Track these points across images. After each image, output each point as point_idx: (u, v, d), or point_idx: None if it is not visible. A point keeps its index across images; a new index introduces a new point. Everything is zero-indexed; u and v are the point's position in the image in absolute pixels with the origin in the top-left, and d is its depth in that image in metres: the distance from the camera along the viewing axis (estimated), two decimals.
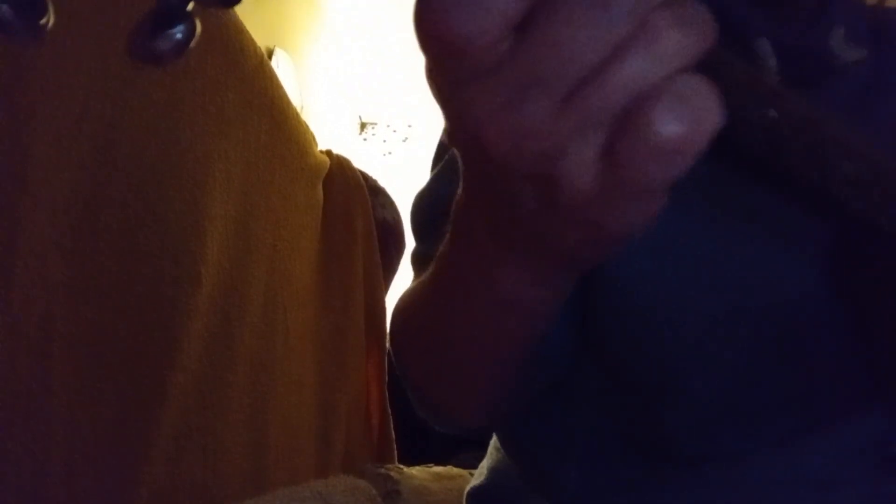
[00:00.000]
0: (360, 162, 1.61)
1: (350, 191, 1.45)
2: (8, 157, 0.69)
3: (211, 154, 0.97)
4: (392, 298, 1.56)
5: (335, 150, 1.49)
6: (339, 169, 1.45)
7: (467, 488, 0.67)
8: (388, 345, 1.49)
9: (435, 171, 0.64)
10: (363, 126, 3.21)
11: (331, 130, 2.65)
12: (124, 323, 0.82)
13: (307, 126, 1.34)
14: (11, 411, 0.70)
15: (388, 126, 3.20)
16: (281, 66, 1.98)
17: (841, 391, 0.51)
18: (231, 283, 1.03)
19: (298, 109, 1.34)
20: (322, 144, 1.43)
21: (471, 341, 0.46)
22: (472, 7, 0.25)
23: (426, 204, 0.64)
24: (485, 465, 0.68)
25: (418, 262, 0.62)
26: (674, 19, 0.25)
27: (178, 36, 0.27)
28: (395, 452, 1.47)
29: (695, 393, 0.51)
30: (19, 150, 0.69)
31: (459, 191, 0.37)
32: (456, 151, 0.34)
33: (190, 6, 0.27)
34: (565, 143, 0.27)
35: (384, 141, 3.19)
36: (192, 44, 0.27)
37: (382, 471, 0.99)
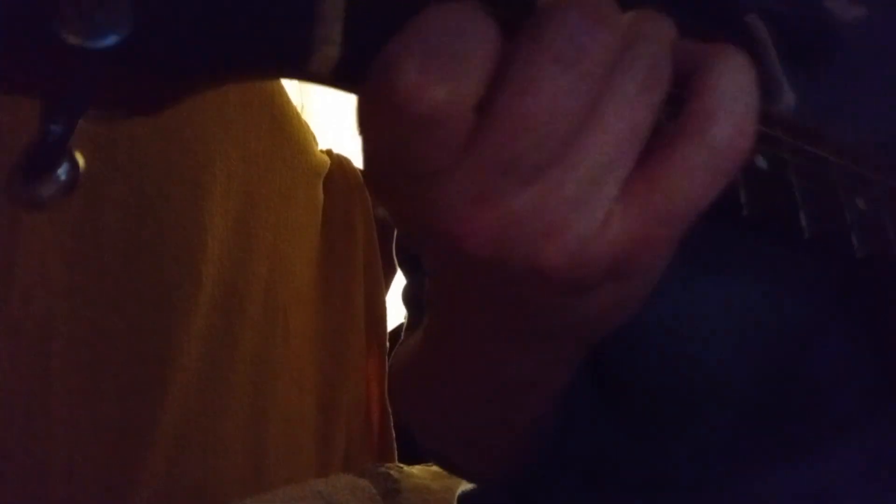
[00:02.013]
0: (361, 161, 1.61)
1: (351, 190, 1.45)
2: (8, 158, 0.69)
3: (211, 154, 0.97)
4: (392, 298, 1.56)
5: (335, 150, 1.49)
6: (340, 168, 1.45)
7: (458, 492, 0.67)
8: (388, 345, 1.49)
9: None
10: None
11: (331, 129, 2.64)
12: (124, 323, 0.82)
13: (307, 125, 1.34)
14: (11, 411, 0.70)
15: None
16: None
17: (847, 407, 0.51)
18: (231, 283, 1.03)
19: (299, 109, 1.34)
20: (322, 144, 1.43)
21: (486, 415, 0.41)
22: (449, 69, 0.22)
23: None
24: None
25: (410, 300, 0.59)
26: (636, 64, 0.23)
27: (63, 178, 0.23)
28: (396, 451, 1.47)
29: (702, 416, 0.50)
30: (20, 150, 0.69)
31: (429, 284, 0.33)
32: (421, 255, 0.30)
33: (72, 134, 0.23)
34: (568, 211, 0.24)
35: None
36: (78, 182, 0.23)
37: (383, 469, 0.99)
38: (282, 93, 1.19)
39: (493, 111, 0.23)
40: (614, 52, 0.23)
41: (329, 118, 2.76)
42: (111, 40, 0.20)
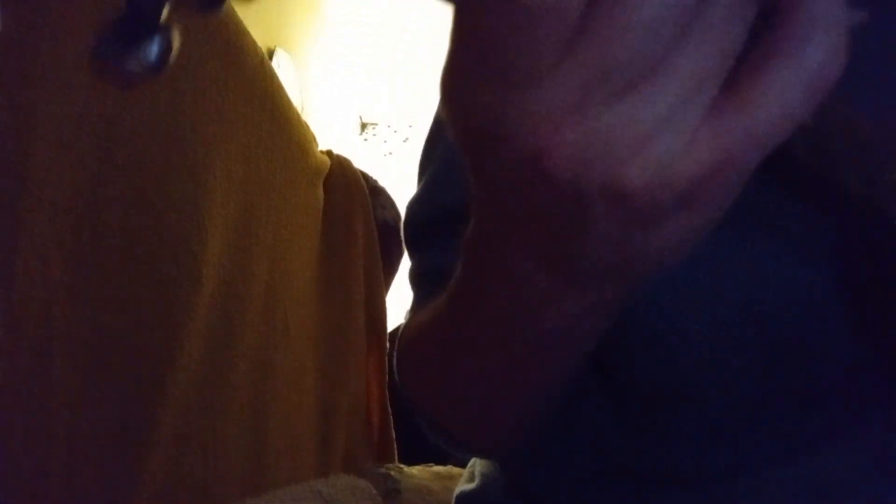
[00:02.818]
0: (361, 162, 1.62)
1: (350, 191, 1.45)
2: (8, 157, 0.69)
3: (211, 154, 0.97)
4: (392, 298, 1.56)
5: (336, 151, 1.49)
6: (340, 169, 1.45)
7: (456, 491, 0.66)
8: (388, 345, 1.49)
9: (426, 176, 0.60)
10: (364, 126, 3.22)
11: (331, 130, 2.65)
12: (124, 323, 0.82)
13: (308, 126, 1.34)
14: (11, 411, 0.70)
15: (389, 126, 3.20)
16: (281, 66, 1.98)
17: (848, 399, 0.51)
18: (231, 283, 1.03)
19: (299, 109, 1.34)
20: (322, 145, 1.43)
21: (507, 377, 0.41)
22: None
23: (421, 214, 0.59)
24: (476, 469, 0.65)
25: (417, 280, 0.58)
26: None
27: (154, 52, 0.22)
28: (396, 452, 1.47)
29: (702, 403, 0.50)
30: (19, 149, 0.69)
31: (472, 226, 0.32)
32: (480, 187, 0.29)
33: (164, 15, 0.22)
34: (656, 128, 0.23)
35: (385, 141, 3.19)
36: (171, 62, 0.22)
37: (383, 470, 0.99)
38: (282, 93, 1.19)
39: (595, 18, 0.22)
40: None
41: (329, 119, 2.76)
42: None
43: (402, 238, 0.61)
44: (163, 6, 0.22)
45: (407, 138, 3.17)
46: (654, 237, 0.26)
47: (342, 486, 0.87)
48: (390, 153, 3.16)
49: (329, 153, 1.45)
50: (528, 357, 0.37)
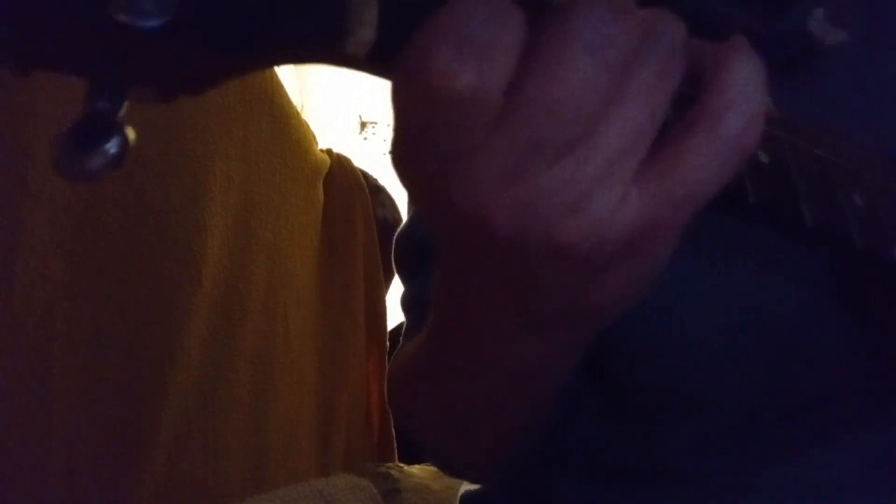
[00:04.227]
0: (361, 161, 1.61)
1: (350, 190, 1.45)
2: (8, 157, 0.69)
3: (211, 153, 0.97)
4: (392, 298, 1.56)
5: (335, 149, 1.49)
6: (340, 168, 1.45)
7: (461, 491, 0.67)
8: (388, 345, 1.49)
9: (413, 208, 0.61)
10: (363, 125, 3.21)
11: (331, 129, 2.65)
12: (124, 323, 0.82)
13: (307, 125, 1.34)
14: (11, 411, 0.70)
15: (389, 125, 3.19)
16: (281, 66, 1.98)
17: (846, 401, 0.51)
18: (231, 283, 1.03)
19: (298, 108, 1.34)
20: (322, 143, 1.43)
21: (489, 411, 0.42)
22: (480, 53, 0.23)
23: (408, 244, 0.60)
24: None
25: (407, 307, 0.59)
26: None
27: (112, 151, 0.23)
28: (396, 451, 1.47)
29: (701, 406, 0.50)
30: (19, 149, 0.69)
31: (437, 274, 0.33)
32: (438, 240, 0.31)
33: (122, 111, 0.23)
34: (589, 189, 0.25)
35: (384, 140, 3.18)
36: (128, 154, 0.24)
37: (383, 469, 0.99)
38: (282, 93, 1.19)
39: (522, 93, 0.24)
40: (636, 42, 0.25)
41: (329, 118, 2.75)
42: (159, 21, 0.21)
43: (394, 264, 0.62)
44: (121, 106, 0.23)
45: None
46: (599, 287, 0.28)
47: (342, 486, 0.87)
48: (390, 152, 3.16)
49: (329, 152, 1.45)
50: (506, 389, 0.39)
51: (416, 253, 0.59)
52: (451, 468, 0.55)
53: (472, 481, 0.59)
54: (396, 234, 0.61)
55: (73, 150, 0.23)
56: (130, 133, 0.24)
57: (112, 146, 0.23)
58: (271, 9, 0.22)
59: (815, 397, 0.50)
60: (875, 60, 0.53)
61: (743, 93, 0.26)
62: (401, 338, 0.60)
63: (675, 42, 0.26)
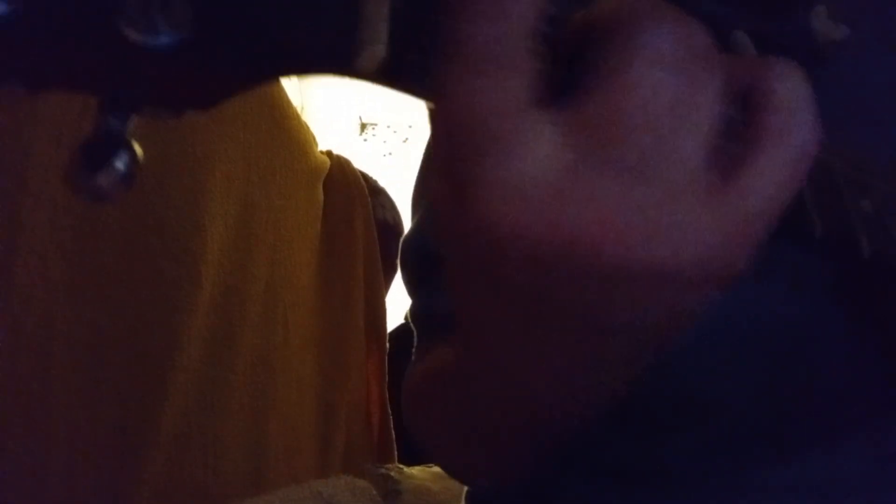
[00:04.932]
0: (361, 162, 1.61)
1: (350, 191, 1.45)
2: (8, 157, 0.69)
3: (211, 154, 0.97)
4: (392, 298, 1.56)
5: (335, 151, 1.49)
6: (340, 169, 1.45)
7: (466, 490, 0.67)
8: (387, 345, 1.49)
9: (418, 215, 0.60)
10: (363, 126, 3.21)
11: (331, 131, 2.65)
12: (124, 323, 0.82)
13: (307, 126, 1.34)
14: (11, 411, 0.70)
15: (389, 127, 3.20)
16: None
17: (847, 402, 0.51)
18: (231, 283, 1.03)
19: (298, 109, 1.35)
20: (322, 145, 1.43)
21: (523, 421, 0.41)
22: (500, 75, 0.23)
23: (413, 255, 0.59)
24: None
25: (415, 320, 0.58)
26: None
27: (121, 168, 0.23)
28: (396, 452, 1.47)
29: (703, 409, 0.50)
30: (20, 149, 0.69)
31: (469, 321, 0.32)
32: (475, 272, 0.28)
33: (130, 126, 0.24)
34: (673, 205, 0.25)
35: (384, 142, 3.18)
36: (138, 171, 0.24)
37: (383, 471, 0.99)
38: (282, 93, 1.19)
39: (589, 112, 0.24)
40: (699, 52, 0.25)
41: (329, 120, 2.76)
42: (171, 39, 0.21)
43: (401, 275, 0.60)
44: (129, 123, 0.23)
45: (406, 139, 3.17)
46: (673, 307, 0.28)
47: (342, 487, 0.87)
48: (390, 153, 3.16)
49: (329, 153, 1.45)
50: (538, 417, 0.38)
51: (422, 262, 0.57)
52: (472, 477, 0.54)
53: (494, 487, 0.58)
54: (402, 241, 0.60)
55: (87, 169, 0.23)
56: (138, 150, 0.24)
57: (121, 164, 0.23)
58: (284, 27, 0.22)
59: (816, 399, 0.50)
60: (880, 61, 0.53)
61: (798, 101, 0.27)
62: (407, 346, 0.58)
63: (713, 54, 0.26)
